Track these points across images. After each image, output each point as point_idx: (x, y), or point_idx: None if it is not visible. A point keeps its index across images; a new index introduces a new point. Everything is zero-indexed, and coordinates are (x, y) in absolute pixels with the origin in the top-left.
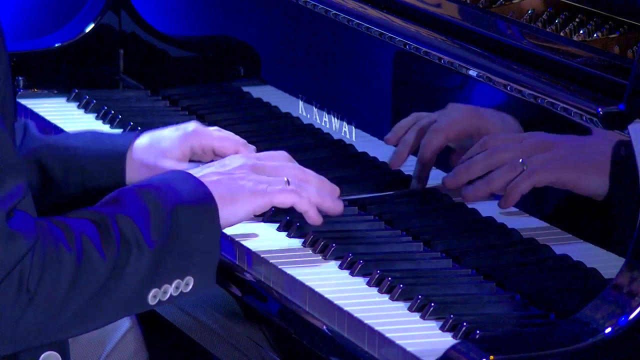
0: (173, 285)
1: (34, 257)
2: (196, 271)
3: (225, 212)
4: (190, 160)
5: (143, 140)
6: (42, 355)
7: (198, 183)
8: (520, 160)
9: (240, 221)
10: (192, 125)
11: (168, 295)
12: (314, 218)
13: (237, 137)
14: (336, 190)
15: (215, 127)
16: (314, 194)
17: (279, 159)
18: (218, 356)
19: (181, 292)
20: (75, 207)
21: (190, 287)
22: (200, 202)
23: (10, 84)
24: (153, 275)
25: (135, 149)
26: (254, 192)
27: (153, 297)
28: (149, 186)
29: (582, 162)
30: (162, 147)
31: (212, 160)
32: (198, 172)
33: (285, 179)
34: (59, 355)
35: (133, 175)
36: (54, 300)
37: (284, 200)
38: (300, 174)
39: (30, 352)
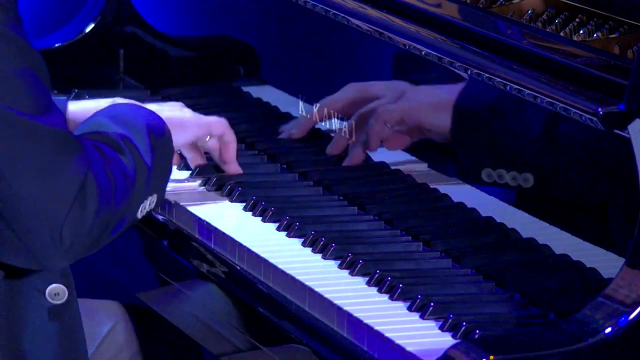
0: (149, 200)
1: (94, 173)
2: (160, 188)
3: (175, 137)
4: None
5: (77, 105)
6: (49, 288)
7: (151, 111)
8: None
9: (186, 145)
10: (126, 100)
11: (146, 210)
12: (232, 153)
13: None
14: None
15: (153, 104)
16: (230, 152)
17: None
18: (215, 352)
19: (150, 208)
20: None
21: (154, 203)
22: (159, 128)
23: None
24: (145, 191)
25: (70, 112)
26: (193, 117)
27: (140, 211)
28: (121, 113)
29: (427, 101)
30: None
31: None
32: (151, 107)
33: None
34: (64, 287)
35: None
36: (108, 214)
37: (218, 126)
38: (225, 129)
39: (37, 285)
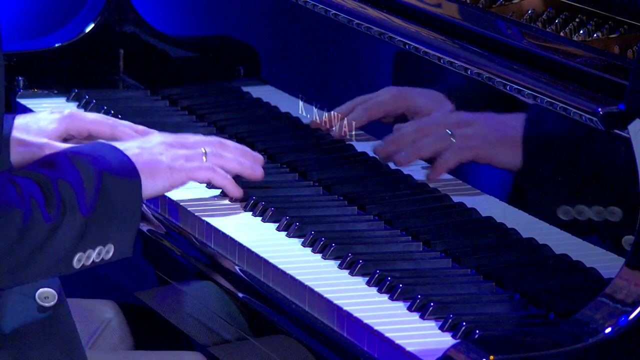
0: (96, 251)
1: None
2: (117, 239)
3: (144, 185)
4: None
5: (20, 120)
6: (38, 291)
7: (122, 155)
8: (448, 131)
9: (157, 194)
10: (68, 110)
11: (91, 260)
12: (232, 191)
13: (113, 120)
14: (259, 158)
15: (93, 114)
16: (232, 161)
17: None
18: (205, 345)
19: (102, 258)
20: None
21: (111, 254)
22: (126, 172)
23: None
24: (81, 241)
25: (15, 127)
26: (172, 167)
27: (78, 260)
28: (80, 153)
29: (501, 139)
30: (38, 125)
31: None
32: (120, 145)
33: (203, 150)
34: (53, 291)
35: (13, 154)
36: (3, 254)
37: (200, 176)
38: (218, 144)
39: (25, 289)
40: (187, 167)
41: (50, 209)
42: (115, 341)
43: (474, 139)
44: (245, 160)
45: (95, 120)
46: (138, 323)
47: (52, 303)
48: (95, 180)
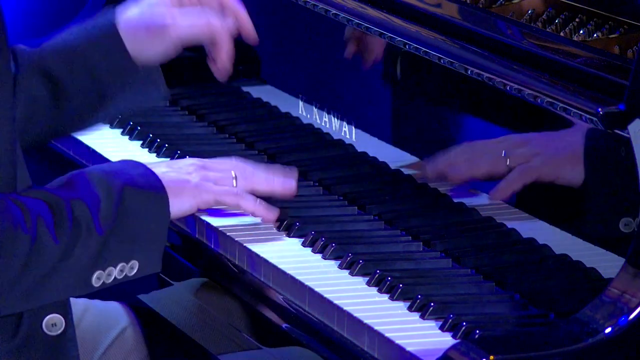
0: (117, 268)
1: None
2: (141, 256)
3: (170, 204)
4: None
5: (131, 7)
6: (46, 318)
7: (149, 171)
8: (503, 152)
9: (184, 214)
10: None
11: (112, 277)
12: (263, 216)
13: None
14: (291, 171)
15: None
16: (262, 183)
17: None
18: (214, 352)
19: (125, 275)
20: (90, 115)
21: (135, 270)
22: (151, 189)
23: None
24: (99, 259)
25: (128, 16)
26: (199, 187)
27: (97, 279)
28: (101, 171)
29: (561, 155)
30: (151, 6)
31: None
32: (148, 165)
33: (233, 174)
34: (61, 318)
35: (132, 41)
36: (6, 278)
37: (227, 201)
38: (248, 167)
39: (33, 315)
40: (215, 190)
41: (61, 231)
42: (129, 348)
43: (536, 159)
44: (276, 177)
45: None
46: (150, 328)
47: (59, 331)
48: (115, 197)
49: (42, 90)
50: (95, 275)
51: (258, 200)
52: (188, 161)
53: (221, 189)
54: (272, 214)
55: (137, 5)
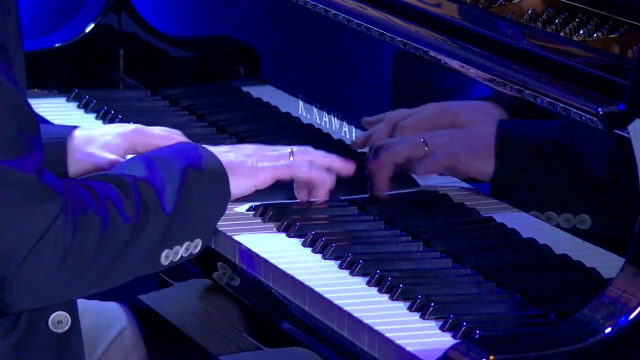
0: (184, 246)
1: (67, 217)
2: (204, 233)
3: (230, 183)
4: None
5: (84, 132)
6: (52, 315)
7: (209, 152)
8: (422, 139)
9: (242, 194)
10: (133, 126)
11: (179, 256)
12: (323, 181)
13: (179, 134)
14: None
15: (159, 127)
16: (320, 156)
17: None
18: (214, 352)
19: (190, 252)
20: None
21: (199, 248)
22: (212, 168)
23: (22, 48)
24: (167, 238)
25: (77, 139)
26: (256, 167)
27: (165, 257)
28: (161, 154)
29: (475, 148)
30: (103, 140)
31: None
32: (207, 145)
33: (289, 149)
34: (67, 315)
35: (74, 166)
36: (83, 260)
37: (285, 173)
38: (307, 147)
39: (40, 312)
40: (272, 165)
41: (130, 211)
42: (128, 348)
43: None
44: (334, 156)
45: (162, 135)
46: (150, 328)
47: (65, 329)
48: (179, 178)
49: None
50: (163, 254)
51: (313, 166)
52: (247, 145)
53: (276, 163)
54: (346, 165)
55: (94, 129)
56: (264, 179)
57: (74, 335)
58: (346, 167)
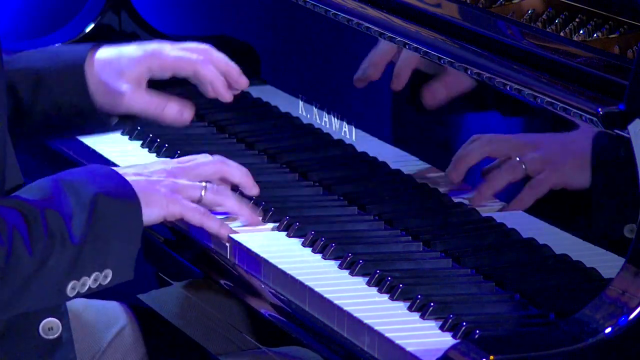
0: (92, 277)
1: None
2: (115, 265)
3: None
4: (150, 82)
5: (103, 53)
6: (43, 322)
7: (120, 179)
8: (517, 158)
9: (152, 223)
10: (153, 46)
11: (87, 287)
12: (224, 237)
13: (194, 56)
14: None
15: (176, 46)
16: (230, 199)
17: (200, 159)
18: (214, 352)
19: (99, 284)
20: (47, 129)
21: (109, 279)
22: (123, 196)
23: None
24: (74, 269)
25: (96, 61)
26: (168, 198)
27: (72, 289)
28: (72, 179)
29: (572, 160)
30: (120, 65)
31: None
32: (119, 170)
33: (204, 184)
34: (58, 322)
35: (94, 87)
36: None
37: (193, 219)
38: (220, 164)
39: (30, 319)
40: (183, 205)
41: (36, 243)
42: (127, 347)
43: (551, 166)
44: (244, 205)
45: (177, 58)
46: (149, 328)
47: (56, 335)
48: (88, 206)
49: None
50: (70, 285)
51: (220, 221)
52: (158, 165)
53: (188, 205)
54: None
55: (111, 51)
56: (174, 214)
57: (65, 341)
58: (252, 221)
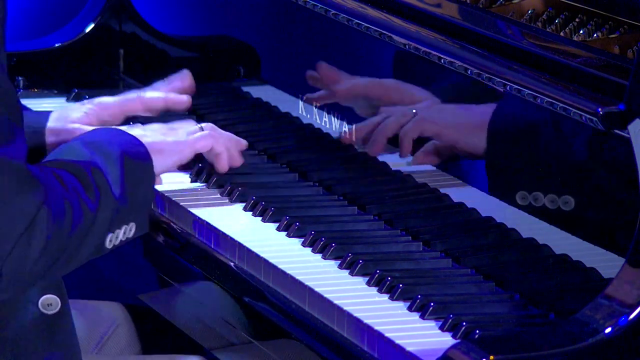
0: (122, 229)
1: (48, 206)
2: (137, 217)
3: (155, 163)
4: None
5: (54, 114)
6: (42, 298)
7: (132, 137)
8: (414, 110)
9: (167, 170)
10: (96, 100)
11: (119, 240)
12: (223, 163)
13: (137, 94)
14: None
15: (115, 97)
16: (227, 137)
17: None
18: (209, 349)
19: (127, 236)
20: None
21: (133, 231)
22: (139, 154)
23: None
24: (114, 222)
25: (50, 121)
26: (177, 142)
27: (109, 241)
28: (95, 140)
29: (467, 121)
30: (71, 117)
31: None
32: (124, 130)
33: (198, 125)
34: (57, 298)
35: (52, 147)
36: (59, 248)
37: (203, 144)
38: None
39: (29, 295)
40: (190, 140)
41: (92, 198)
42: (123, 345)
43: (439, 114)
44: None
45: (121, 101)
46: (145, 326)
47: (55, 310)
48: (118, 164)
49: None
50: (108, 238)
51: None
52: (155, 125)
53: (194, 136)
54: (227, 165)
55: (57, 117)
56: (187, 154)
57: (64, 317)
58: (237, 161)
